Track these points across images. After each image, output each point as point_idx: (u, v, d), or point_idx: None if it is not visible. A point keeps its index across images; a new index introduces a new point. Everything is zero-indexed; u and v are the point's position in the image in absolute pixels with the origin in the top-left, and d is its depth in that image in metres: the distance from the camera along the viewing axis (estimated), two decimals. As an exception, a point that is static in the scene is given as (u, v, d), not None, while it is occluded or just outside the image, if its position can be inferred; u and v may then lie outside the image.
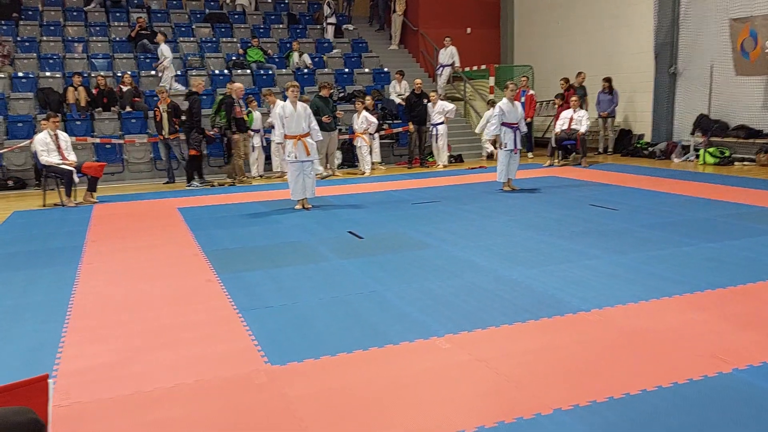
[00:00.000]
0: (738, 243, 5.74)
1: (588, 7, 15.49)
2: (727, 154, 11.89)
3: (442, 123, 12.71)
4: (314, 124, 8.29)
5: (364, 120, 12.23)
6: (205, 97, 12.01)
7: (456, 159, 13.68)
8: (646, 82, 13.85)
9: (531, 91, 14.09)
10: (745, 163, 11.74)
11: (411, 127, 12.75)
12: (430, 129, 12.90)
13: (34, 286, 5.11)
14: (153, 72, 13.95)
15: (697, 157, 12.31)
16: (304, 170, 8.19)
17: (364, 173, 12.17)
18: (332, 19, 17.05)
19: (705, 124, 12.45)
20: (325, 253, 5.91)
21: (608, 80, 13.65)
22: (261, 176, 12.01)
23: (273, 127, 8.63)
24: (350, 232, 6.75)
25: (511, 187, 9.33)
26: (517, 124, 9.18)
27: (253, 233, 6.90)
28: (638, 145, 13.73)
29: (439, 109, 12.67)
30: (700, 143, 12.44)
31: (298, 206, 8.31)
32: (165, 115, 11.04)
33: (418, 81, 12.99)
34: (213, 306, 4.48)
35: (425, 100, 12.74)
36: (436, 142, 12.91)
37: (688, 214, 7.12)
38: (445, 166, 12.84)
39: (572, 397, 2.95)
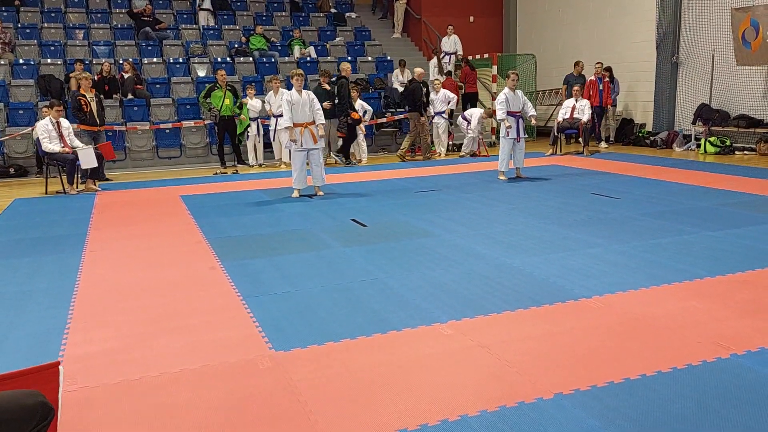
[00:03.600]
0: (738, 231, 5.77)
1: (590, -5, 15.44)
2: (727, 143, 11.90)
3: (443, 112, 12.68)
4: (317, 107, 8.36)
5: (360, 108, 12.21)
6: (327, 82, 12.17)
7: (458, 148, 13.69)
8: (647, 72, 13.84)
9: (607, 78, 13.40)
10: (746, 152, 11.76)
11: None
12: (432, 116, 12.88)
13: (38, 273, 5.14)
14: (155, 59, 13.94)
15: (698, 146, 12.32)
16: (312, 158, 8.27)
17: (360, 161, 12.18)
18: (207, 5, 16.02)
19: (706, 114, 12.46)
20: (328, 240, 5.94)
21: (608, 69, 13.62)
22: (261, 165, 12.04)
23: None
24: (354, 220, 6.78)
25: (519, 175, 9.41)
26: (519, 112, 9.21)
27: (256, 221, 6.93)
28: (640, 134, 13.73)
29: (442, 98, 12.62)
30: (701, 132, 12.45)
31: (295, 194, 8.34)
32: (94, 105, 10.23)
33: (418, 69, 12.95)
34: (217, 293, 4.51)
35: (425, 89, 12.69)
36: (438, 130, 12.90)
37: (689, 203, 7.14)
38: (439, 155, 12.84)
39: (573, 381, 2.99)
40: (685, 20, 13.25)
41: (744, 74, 12.01)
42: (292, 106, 8.14)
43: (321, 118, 8.37)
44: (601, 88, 13.16)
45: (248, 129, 11.92)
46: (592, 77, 13.32)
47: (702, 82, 12.90)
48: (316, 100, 8.37)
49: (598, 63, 13.36)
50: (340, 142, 12.77)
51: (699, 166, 10.25)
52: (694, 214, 6.58)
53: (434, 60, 15.26)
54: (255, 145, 12.09)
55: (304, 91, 8.24)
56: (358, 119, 11.91)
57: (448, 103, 12.68)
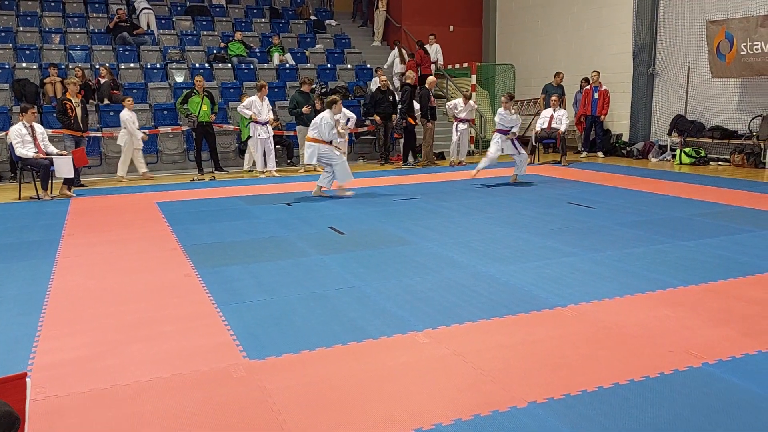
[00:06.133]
0: (712, 241, 5.85)
1: (568, 7, 15.63)
2: (702, 154, 12.09)
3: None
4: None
5: (342, 115, 12.18)
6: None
7: (437, 156, 13.73)
8: (624, 83, 14.02)
9: (604, 87, 13.35)
10: (720, 163, 11.95)
11: (378, 119, 12.65)
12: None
13: (9, 279, 5.05)
14: (132, 64, 13.82)
15: (674, 156, 12.49)
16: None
17: None
18: (144, 3, 15.33)
19: (681, 125, 12.65)
20: (304, 248, 5.91)
21: (587, 80, 13.78)
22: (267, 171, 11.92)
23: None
24: (331, 228, 6.76)
25: (516, 180, 9.85)
26: (508, 129, 9.51)
27: (232, 228, 6.88)
28: (616, 145, 13.90)
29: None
30: (676, 143, 12.63)
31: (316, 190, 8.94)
32: (79, 110, 10.04)
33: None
34: (191, 300, 4.46)
35: (390, 97, 12.76)
36: (403, 138, 12.97)
37: (663, 213, 7.23)
38: (412, 165, 12.89)
39: (547, 390, 3.00)
40: (661, 33, 13.46)
41: (719, 86, 12.22)
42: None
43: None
44: (596, 96, 13.28)
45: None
46: (587, 87, 13.45)
47: (677, 94, 13.10)
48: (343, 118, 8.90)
49: (594, 72, 13.44)
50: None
51: (674, 177, 10.40)
52: (669, 224, 6.66)
53: (395, 51, 15.60)
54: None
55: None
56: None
57: (416, 113, 12.77)
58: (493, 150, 9.55)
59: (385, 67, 15.42)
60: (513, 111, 9.59)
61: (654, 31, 13.52)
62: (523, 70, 16.35)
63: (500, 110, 9.63)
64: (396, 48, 15.69)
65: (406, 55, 15.35)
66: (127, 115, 10.89)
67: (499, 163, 9.89)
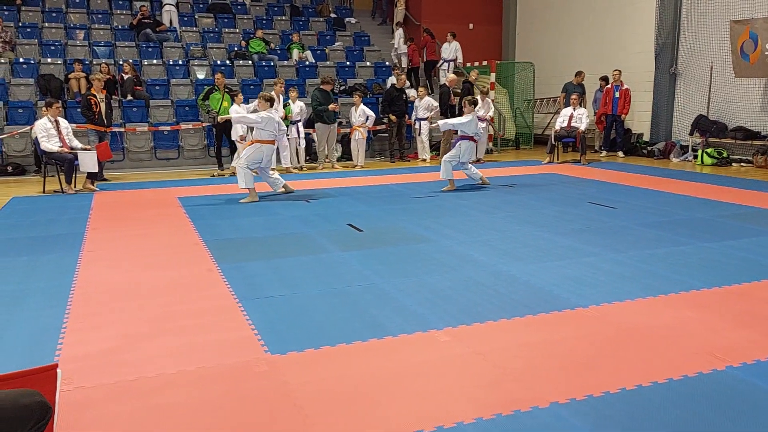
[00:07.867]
0: (735, 243, 5.79)
1: (590, 5, 15.52)
2: (724, 154, 11.96)
3: (426, 119, 12.80)
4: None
5: (362, 113, 12.25)
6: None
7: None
8: (646, 82, 13.90)
9: (625, 86, 13.20)
10: (743, 164, 11.81)
11: (393, 118, 12.72)
12: (414, 123, 13.02)
13: (35, 272, 5.13)
14: (155, 61, 13.95)
15: (696, 157, 12.36)
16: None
17: (355, 166, 12.22)
18: None
19: (704, 125, 12.52)
20: (325, 244, 5.94)
21: (605, 79, 13.69)
22: (302, 168, 11.96)
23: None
24: (350, 225, 6.79)
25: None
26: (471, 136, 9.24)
27: (253, 224, 6.93)
28: (637, 144, 13.79)
29: (425, 105, 12.74)
30: (698, 143, 12.50)
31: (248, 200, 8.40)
32: (103, 106, 10.34)
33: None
34: (213, 295, 4.51)
35: (404, 96, 12.80)
36: (419, 135, 13.00)
37: (685, 214, 7.17)
38: (424, 160, 12.93)
39: (569, 390, 2.99)
40: (684, 32, 13.33)
41: (742, 86, 12.08)
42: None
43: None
44: (617, 95, 13.18)
45: (288, 132, 11.73)
46: (608, 85, 13.36)
47: (700, 94, 12.97)
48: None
49: (615, 70, 13.28)
50: (339, 148, 12.82)
51: (696, 177, 10.29)
52: (691, 225, 6.61)
53: (399, 31, 16.16)
54: (296, 148, 11.97)
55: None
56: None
57: (432, 111, 12.80)
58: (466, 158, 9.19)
59: (395, 47, 16.11)
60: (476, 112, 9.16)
61: (677, 30, 13.40)
62: (543, 69, 16.26)
63: (468, 116, 9.16)
64: (399, 29, 16.24)
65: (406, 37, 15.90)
66: (235, 110, 10.79)
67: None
